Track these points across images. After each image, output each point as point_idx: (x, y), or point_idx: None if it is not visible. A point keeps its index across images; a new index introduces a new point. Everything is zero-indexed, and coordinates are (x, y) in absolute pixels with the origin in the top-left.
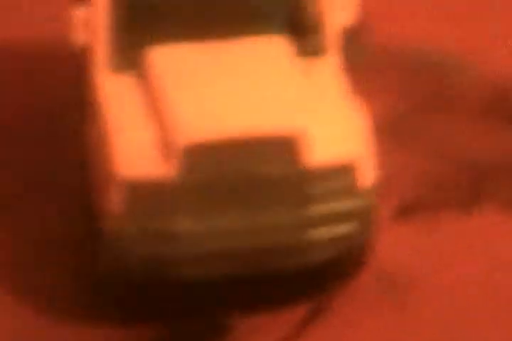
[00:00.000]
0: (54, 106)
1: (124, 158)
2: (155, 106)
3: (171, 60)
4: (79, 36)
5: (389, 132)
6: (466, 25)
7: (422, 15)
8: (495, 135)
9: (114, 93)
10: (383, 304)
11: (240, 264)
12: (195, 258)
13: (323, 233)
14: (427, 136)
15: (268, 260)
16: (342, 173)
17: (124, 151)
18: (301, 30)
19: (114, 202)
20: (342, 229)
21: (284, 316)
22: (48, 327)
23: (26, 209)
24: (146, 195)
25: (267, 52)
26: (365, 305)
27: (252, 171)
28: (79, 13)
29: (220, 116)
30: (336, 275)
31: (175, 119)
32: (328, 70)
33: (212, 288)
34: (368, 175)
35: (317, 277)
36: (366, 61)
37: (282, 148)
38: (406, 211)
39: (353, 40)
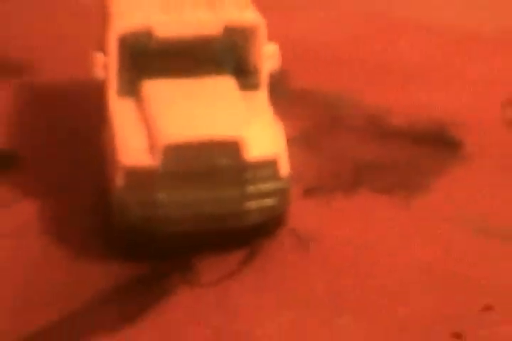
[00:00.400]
0: (85, 121)
1: (124, 153)
2: (146, 119)
3: (157, 89)
4: (99, 72)
5: (299, 141)
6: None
7: (328, 68)
8: (371, 144)
9: (120, 110)
10: (294, 253)
11: (200, 223)
12: (170, 218)
13: (255, 204)
14: (326, 145)
15: (219, 221)
16: (268, 165)
17: (124, 148)
18: (243, 72)
19: (118, 181)
20: (268, 202)
21: (228, 258)
22: (62, 259)
23: (67, 188)
24: (138, 177)
25: (222, 86)
26: (282, 253)
27: (208, 162)
28: (99, 56)
29: (189, 126)
30: (263, 233)
31: (158, 128)
32: (261, 99)
33: (182, 238)
34: (285, 167)
35: (251, 233)
36: (284, 95)
37: (229, 148)
38: (310, 191)
39: (276, 81)
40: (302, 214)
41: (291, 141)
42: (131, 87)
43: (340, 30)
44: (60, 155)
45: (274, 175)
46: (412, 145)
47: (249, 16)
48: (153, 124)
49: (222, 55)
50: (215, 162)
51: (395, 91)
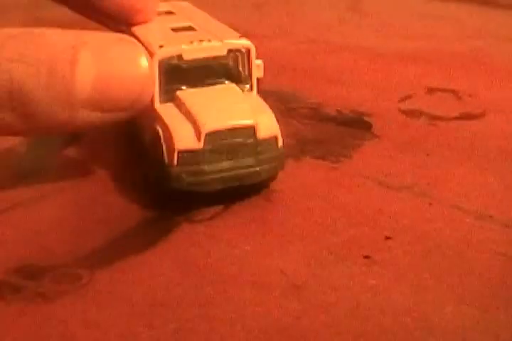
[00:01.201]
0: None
1: (177, 140)
2: (186, 116)
3: (189, 95)
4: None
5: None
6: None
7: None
8: (312, 126)
9: (165, 113)
10: (262, 199)
11: (229, 182)
12: (210, 181)
13: (264, 167)
14: (283, 127)
15: (241, 180)
16: (271, 140)
17: (177, 137)
18: (240, 80)
19: (173, 159)
20: (272, 165)
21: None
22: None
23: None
24: (187, 156)
25: (230, 90)
26: (255, 201)
27: (234, 141)
28: None
29: (219, 118)
30: (264, 186)
31: (198, 121)
32: (256, 97)
33: (214, 194)
34: (280, 141)
35: (257, 188)
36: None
37: (248, 130)
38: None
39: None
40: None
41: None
42: (168, 96)
43: (294, 50)
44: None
45: (275, 147)
46: (339, 127)
47: (245, 42)
48: (193, 119)
49: (227, 69)
50: (238, 140)
51: (329, 90)
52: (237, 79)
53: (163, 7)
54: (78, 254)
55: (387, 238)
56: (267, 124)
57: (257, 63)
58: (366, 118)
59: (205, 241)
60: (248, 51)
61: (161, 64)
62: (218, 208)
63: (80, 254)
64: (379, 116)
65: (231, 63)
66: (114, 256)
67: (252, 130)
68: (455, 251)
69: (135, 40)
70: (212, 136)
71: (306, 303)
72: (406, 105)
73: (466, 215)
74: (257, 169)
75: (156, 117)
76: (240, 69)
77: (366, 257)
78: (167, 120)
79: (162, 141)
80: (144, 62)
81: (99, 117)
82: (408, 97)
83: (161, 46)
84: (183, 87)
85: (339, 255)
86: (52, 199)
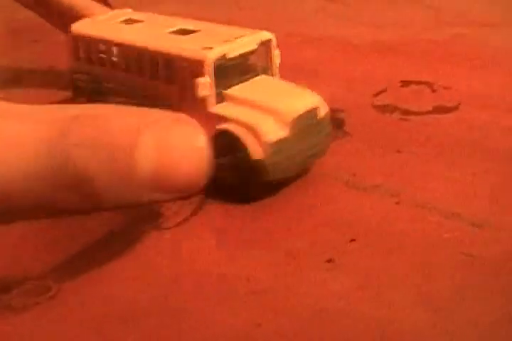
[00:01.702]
0: None
1: (265, 132)
2: (258, 110)
3: (241, 92)
4: (203, 91)
5: None
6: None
7: None
8: None
9: (227, 112)
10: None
11: (307, 163)
12: (296, 165)
13: (327, 142)
14: None
15: (314, 158)
16: (327, 117)
17: (263, 130)
18: (265, 70)
19: (263, 153)
20: (328, 139)
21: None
22: None
23: None
24: (277, 146)
25: (269, 80)
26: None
27: (307, 123)
28: (201, 80)
29: (291, 104)
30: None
31: (276, 111)
32: (289, 82)
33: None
34: (328, 117)
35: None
36: None
37: (315, 111)
38: None
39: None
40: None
41: None
42: (218, 97)
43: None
44: None
45: (328, 123)
46: None
47: (268, 34)
48: (271, 110)
49: (256, 61)
50: (310, 122)
51: (302, 85)
52: (263, 69)
53: (117, 17)
54: (46, 267)
55: (352, 240)
56: (322, 103)
57: (277, 52)
58: (339, 115)
59: (171, 250)
60: (270, 41)
61: (214, 65)
62: (186, 214)
63: (48, 267)
64: (352, 112)
65: (257, 55)
66: (82, 268)
67: (316, 110)
68: (419, 252)
69: (193, 120)
70: (295, 121)
71: (267, 310)
72: (380, 100)
73: (433, 214)
74: (323, 146)
75: (219, 119)
76: (266, 58)
77: (329, 261)
78: (242, 118)
79: (243, 139)
80: (203, 143)
81: (163, 197)
82: (383, 91)
83: (210, 48)
84: (227, 86)
85: (302, 260)
86: None
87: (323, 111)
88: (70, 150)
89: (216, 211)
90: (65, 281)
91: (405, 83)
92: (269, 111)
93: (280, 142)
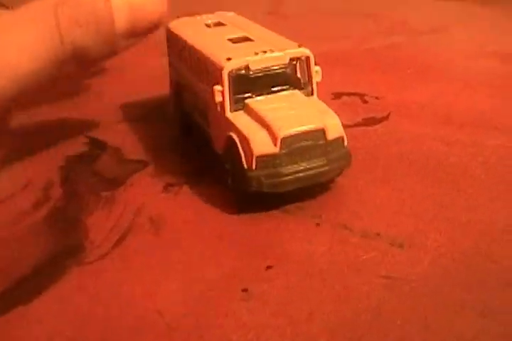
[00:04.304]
0: None
1: (255, 146)
2: (259, 122)
3: (259, 103)
4: (218, 97)
5: None
6: None
7: None
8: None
9: (237, 120)
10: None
11: (303, 182)
12: (287, 181)
13: (335, 165)
14: None
15: (314, 180)
16: (339, 140)
17: (254, 143)
18: (302, 86)
19: (251, 164)
20: (341, 163)
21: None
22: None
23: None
24: (265, 160)
25: (295, 96)
26: None
27: (307, 143)
28: (217, 87)
29: (292, 123)
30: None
31: (273, 127)
32: (317, 101)
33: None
34: (345, 141)
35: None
36: None
37: (319, 133)
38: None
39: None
40: None
41: None
42: (238, 105)
43: None
44: None
45: (342, 146)
46: None
47: (304, 51)
48: (268, 125)
49: (289, 76)
50: (310, 143)
51: None
52: (297, 85)
53: (213, 18)
54: None
55: (268, 267)
56: (334, 126)
57: (316, 69)
58: None
59: (92, 284)
60: (308, 58)
61: (230, 75)
62: (109, 246)
63: None
64: None
65: (292, 70)
66: (4, 306)
67: (322, 132)
68: (335, 277)
69: None
70: (287, 140)
71: None
72: None
73: (352, 234)
74: (328, 168)
75: (230, 125)
76: (299, 75)
77: (245, 290)
78: (242, 127)
79: (239, 147)
80: None
81: (134, 41)
82: None
83: (228, 59)
84: (251, 96)
85: (218, 290)
86: None
87: (334, 134)
88: (69, 33)
89: (133, 244)
90: None
91: (337, 95)
92: (266, 126)
93: (268, 157)
